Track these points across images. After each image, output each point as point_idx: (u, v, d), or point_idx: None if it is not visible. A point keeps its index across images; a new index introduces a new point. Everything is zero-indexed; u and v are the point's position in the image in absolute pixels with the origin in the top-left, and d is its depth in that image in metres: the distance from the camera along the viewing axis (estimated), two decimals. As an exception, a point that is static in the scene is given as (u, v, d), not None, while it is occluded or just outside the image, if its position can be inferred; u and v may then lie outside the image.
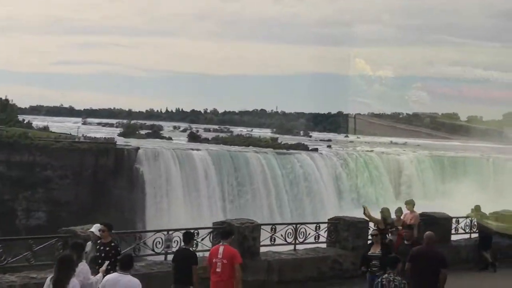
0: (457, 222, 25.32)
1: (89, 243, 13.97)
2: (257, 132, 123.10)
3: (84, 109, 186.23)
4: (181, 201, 60.39)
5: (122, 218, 55.17)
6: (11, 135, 62.62)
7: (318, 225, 21.07)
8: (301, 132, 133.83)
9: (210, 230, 18.39)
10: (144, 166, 61.16)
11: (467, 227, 25.69)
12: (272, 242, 19.52)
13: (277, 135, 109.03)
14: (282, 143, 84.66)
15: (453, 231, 25.06)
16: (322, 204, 65.68)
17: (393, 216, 19.99)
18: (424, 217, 23.55)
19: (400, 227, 19.26)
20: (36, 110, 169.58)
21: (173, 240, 16.94)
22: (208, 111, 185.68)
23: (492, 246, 24.92)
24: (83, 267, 12.06)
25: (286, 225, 20.32)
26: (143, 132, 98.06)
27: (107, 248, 13.81)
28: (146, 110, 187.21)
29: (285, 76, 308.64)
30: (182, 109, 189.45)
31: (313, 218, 52.51)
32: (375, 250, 16.84)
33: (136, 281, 11.39)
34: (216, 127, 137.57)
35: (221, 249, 14.36)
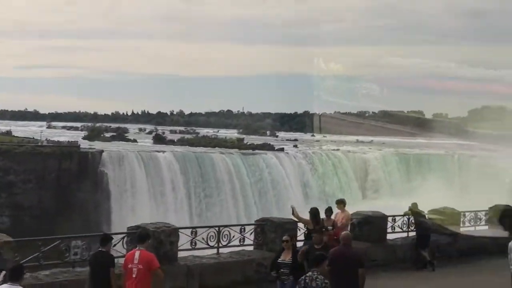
0: (394, 220, 25.04)
1: None
2: (223, 133, 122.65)
3: (49, 113, 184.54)
4: (146, 203, 59.81)
5: (87, 222, 54.62)
6: (-27, 140, 61.63)
7: (243, 227, 20.62)
8: (268, 132, 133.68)
9: (124, 235, 17.81)
10: (109, 169, 60.44)
11: (404, 226, 25.38)
12: (193, 246, 18.99)
13: (243, 136, 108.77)
14: (248, 143, 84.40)
15: (389, 230, 24.71)
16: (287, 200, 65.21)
17: (322, 216, 19.33)
18: (359, 217, 23.39)
19: (330, 227, 18.78)
20: (0, 115, 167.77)
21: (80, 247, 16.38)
22: (175, 112, 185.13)
23: (430, 245, 24.52)
24: None
25: (208, 228, 19.78)
26: (108, 135, 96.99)
27: None
28: (112, 113, 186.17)
29: (252, 76, 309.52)
30: (148, 111, 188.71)
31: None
32: (285, 258, 16.14)
33: None
34: (182, 128, 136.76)
35: (137, 254, 13.75)
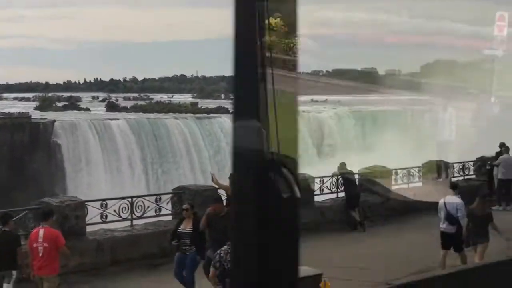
0: (322, 181, 24.63)
1: None
2: (177, 98, 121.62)
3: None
4: (101, 172, 59.23)
5: (42, 192, 53.96)
6: None
7: (159, 197, 20.03)
8: (222, 95, 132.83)
9: (25, 211, 17.03)
10: (62, 138, 59.71)
11: (333, 187, 25.03)
12: (104, 220, 18.33)
13: (197, 100, 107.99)
14: (203, 107, 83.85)
15: (317, 192, 24.30)
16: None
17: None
18: None
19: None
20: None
21: None
22: (128, 79, 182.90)
23: (361, 205, 24.21)
24: None
25: (119, 200, 19.06)
26: (60, 104, 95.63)
27: None
28: (64, 82, 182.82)
29: (206, 40, 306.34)
30: (100, 79, 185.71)
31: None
32: (186, 227, 15.46)
33: None
34: (136, 95, 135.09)
35: (41, 232, 13.36)
